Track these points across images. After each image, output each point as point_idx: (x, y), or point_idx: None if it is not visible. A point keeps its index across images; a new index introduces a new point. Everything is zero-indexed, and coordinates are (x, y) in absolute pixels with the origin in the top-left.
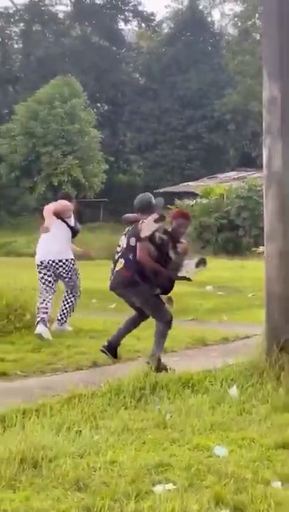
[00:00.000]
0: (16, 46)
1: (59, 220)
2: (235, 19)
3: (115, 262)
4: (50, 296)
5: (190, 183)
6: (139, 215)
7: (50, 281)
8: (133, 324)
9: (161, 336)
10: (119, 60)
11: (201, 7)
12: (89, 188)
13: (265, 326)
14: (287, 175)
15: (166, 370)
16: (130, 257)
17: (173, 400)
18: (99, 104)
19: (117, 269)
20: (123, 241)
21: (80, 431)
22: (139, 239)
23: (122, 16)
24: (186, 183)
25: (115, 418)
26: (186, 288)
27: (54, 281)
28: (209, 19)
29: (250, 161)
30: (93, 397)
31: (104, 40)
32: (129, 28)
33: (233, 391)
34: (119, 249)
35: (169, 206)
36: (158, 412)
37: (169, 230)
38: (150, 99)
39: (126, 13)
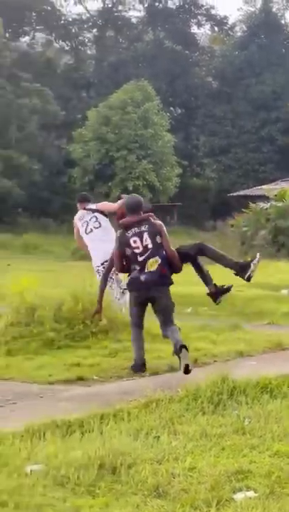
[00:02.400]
0: (89, 52)
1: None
2: None
3: (143, 263)
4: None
5: (264, 187)
6: (130, 216)
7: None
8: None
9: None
10: (192, 64)
11: (274, 9)
12: (163, 192)
13: None
14: None
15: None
16: (163, 254)
17: (251, 405)
18: (172, 108)
19: (152, 269)
20: (145, 241)
21: (158, 436)
22: (162, 235)
23: (194, 20)
24: (259, 187)
25: (193, 423)
26: (259, 292)
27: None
28: (283, 21)
29: None
30: (171, 402)
31: (177, 44)
32: (202, 32)
33: None
34: (138, 250)
35: (243, 210)
36: (236, 417)
37: None
38: (223, 103)
39: (199, 17)
